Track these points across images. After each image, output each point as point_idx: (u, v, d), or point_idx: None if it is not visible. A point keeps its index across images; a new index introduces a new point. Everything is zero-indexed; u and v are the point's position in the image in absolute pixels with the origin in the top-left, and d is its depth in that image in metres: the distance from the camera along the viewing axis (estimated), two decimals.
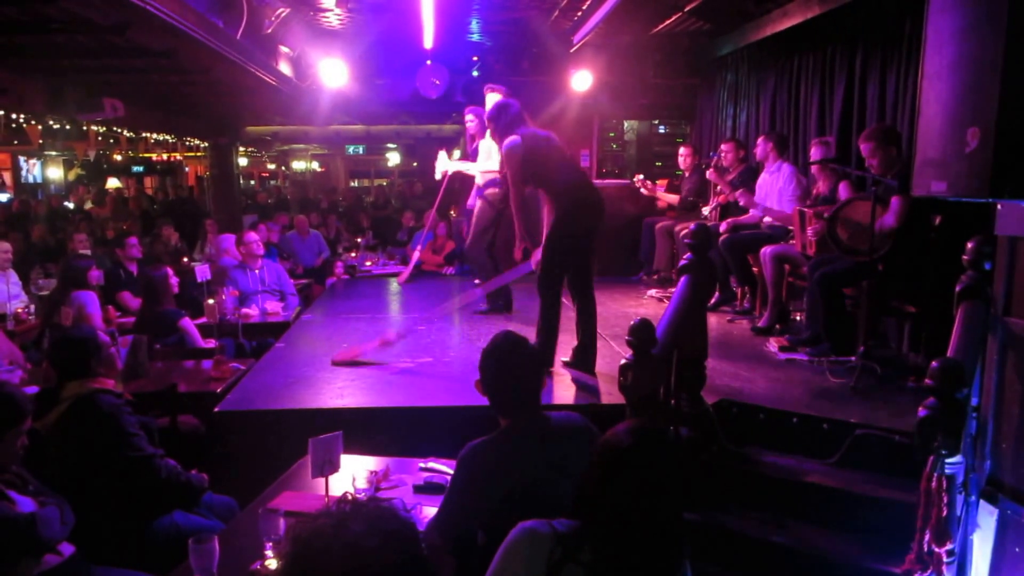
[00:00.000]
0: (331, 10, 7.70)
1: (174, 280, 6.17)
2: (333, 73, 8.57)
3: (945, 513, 2.64)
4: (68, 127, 12.88)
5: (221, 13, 5.60)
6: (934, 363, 2.73)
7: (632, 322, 3.43)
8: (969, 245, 3.47)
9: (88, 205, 16.75)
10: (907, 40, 5.43)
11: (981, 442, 3.37)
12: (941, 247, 4.71)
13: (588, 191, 5.03)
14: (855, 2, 5.55)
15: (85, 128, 14.13)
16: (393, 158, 25.96)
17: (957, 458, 2.68)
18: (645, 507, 1.83)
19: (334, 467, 2.80)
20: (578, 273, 5.06)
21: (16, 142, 17.41)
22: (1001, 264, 3.32)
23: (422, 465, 3.26)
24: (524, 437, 2.57)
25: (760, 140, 6.58)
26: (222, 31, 5.72)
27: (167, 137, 16.63)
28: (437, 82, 9.15)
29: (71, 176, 21.29)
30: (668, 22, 7.87)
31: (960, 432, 2.75)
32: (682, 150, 8.35)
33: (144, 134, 15.73)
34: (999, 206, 3.23)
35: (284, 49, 8.08)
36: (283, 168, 29.34)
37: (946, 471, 2.64)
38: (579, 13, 7.81)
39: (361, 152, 25.25)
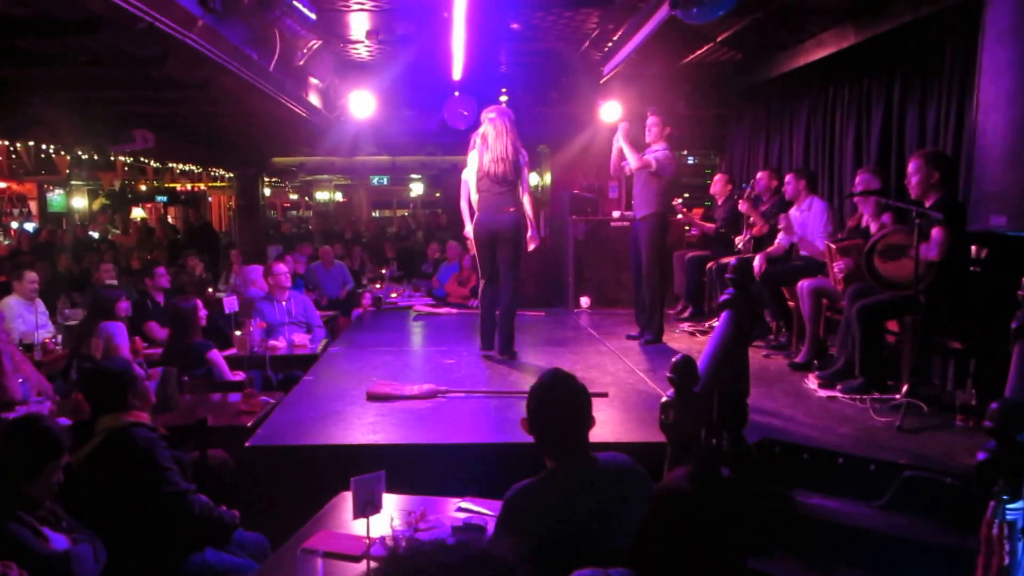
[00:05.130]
0: (361, 42, 7.75)
1: (203, 312, 6.14)
2: (361, 104, 8.62)
3: (1007, 561, 2.53)
4: (96, 157, 13.00)
5: (255, 46, 5.63)
6: (993, 404, 2.64)
7: (674, 359, 3.36)
8: None
9: (111, 234, 16.86)
10: (949, 70, 5.35)
11: None
12: (988, 281, 4.61)
13: None
14: (893, 31, 5.47)
15: (112, 158, 14.27)
16: (415, 188, 26.03)
17: (1020, 503, 2.58)
18: (707, 555, 1.75)
19: (376, 508, 2.72)
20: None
21: (43, 172, 17.61)
22: None
23: (462, 505, 3.17)
24: (571, 480, 2.48)
25: (790, 178, 6.52)
26: (256, 63, 5.75)
27: (193, 167, 16.72)
28: (465, 113, 9.15)
29: (95, 206, 21.46)
30: (699, 52, 7.86)
31: (1023, 476, 2.65)
32: (716, 176, 8.31)
33: (171, 164, 15.83)
34: None
35: (314, 80, 8.12)
36: (306, 198, 29.52)
37: (1007, 517, 2.54)
38: (609, 44, 7.80)
39: (385, 183, 25.35)
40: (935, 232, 4.54)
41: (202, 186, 22.80)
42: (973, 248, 4.61)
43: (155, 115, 9.18)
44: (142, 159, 14.76)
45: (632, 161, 6.66)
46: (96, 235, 17.08)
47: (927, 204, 4.64)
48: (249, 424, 4.61)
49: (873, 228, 5.30)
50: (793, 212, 6.42)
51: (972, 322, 4.55)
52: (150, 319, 7.12)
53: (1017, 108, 2.70)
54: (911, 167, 4.76)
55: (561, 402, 2.56)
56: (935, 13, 4.97)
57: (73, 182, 20.49)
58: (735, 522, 1.79)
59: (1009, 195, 2.71)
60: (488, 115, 6.19)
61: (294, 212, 29.10)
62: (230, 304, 6.58)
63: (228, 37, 5.06)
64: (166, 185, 21.54)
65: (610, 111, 8.93)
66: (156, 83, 6.90)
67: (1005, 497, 2.47)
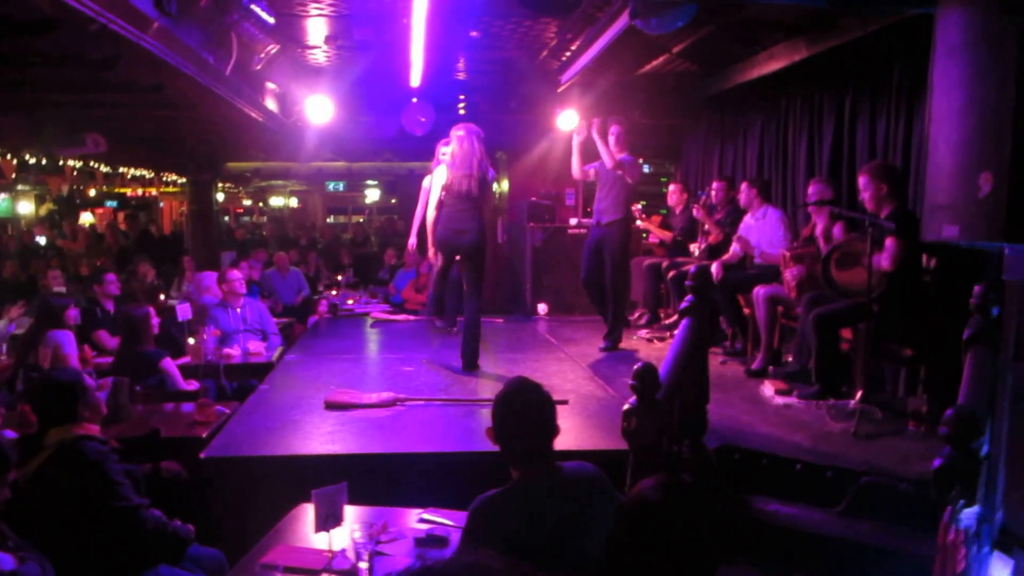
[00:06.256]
0: (319, 47, 7.69)
1: (155, 319, 6.01)
2: (319, 110, 8.53)
3: (963, 567, 2.58)
4: (44, 162, 12.70)
5: (212, 49, 5.54)
6: (948, 412, 2.67)
7: (636, 366, 3.37)
8: (976, 290, 3.44)
9: (59, 240, 16.51)
10: (897, 84, 5.47)
11: (992, 492, 3.31)
12: (937, 290, 4.71)
13: None
14: (843, 46, 5.57)
15: (61, 163, 13.95)
16: (371, 195, 25.92)
17: (974, 508, 2.63)
18: (679, 567, 1.74)
19: (338, 521, 2.68)
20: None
21: None
22: (1010, 309, 3.29)
23: (425, 516, 3.14)
24: (538, 489, 2.46)
25: (744, 186, 6.59)
26: (212, 67, 5.65)
27: (144, 173, 16.38)
28: (423, 119, 9.12)
29: (42, 212, 20.99)
30: (655, 63, 7.91)
31: (977, 482, 2.69)
32: (671, 187, 8.38)
33: (121, 169, 15.51)
34: (1006, 251, 3.21)
35: (270, 85, 8.03)
36: (260, 204, 29.16)
37: (963, 522, 2.58)
38: (567, 54, 7.83)
39: (341, 188, 25.18)
40: (888, 242, 4.63)
41: (153, 191, 22.36)
42: (923, 258, 4.72)
43: (107, 119, 8.97)
44: (92, 163, 14.47)
45: (607, 159, 6.68)
46: (43, 241, 16.69)
47: (883, 216, 4.72)
48: (204, 435, 4.50)
49: (835, 235, 5.38)
50: (747, 220, 6.49)
51: (922, 330, 4.64)
52: (100, 327, 6.92)
53: (968, 121, 2.76)
54: (861, 182, 4.86)
55: (527, 411, 2.53)
56: (883, 30, 5.07)
57: (19, 187, 19.98)
58: (707, 531, 1.78)
59: (961, 206, 2.76)
60: (457, 133, 6.17)
61: (247, 218, 28.72)
62: (183, 311, 6.43)
63: (184, 40, 4.97)
64: (116, 190, 21.07)
65: (567, 120, 8.97)
66: (109, 86, 6.75)
67: (961, 502, 2.51)
